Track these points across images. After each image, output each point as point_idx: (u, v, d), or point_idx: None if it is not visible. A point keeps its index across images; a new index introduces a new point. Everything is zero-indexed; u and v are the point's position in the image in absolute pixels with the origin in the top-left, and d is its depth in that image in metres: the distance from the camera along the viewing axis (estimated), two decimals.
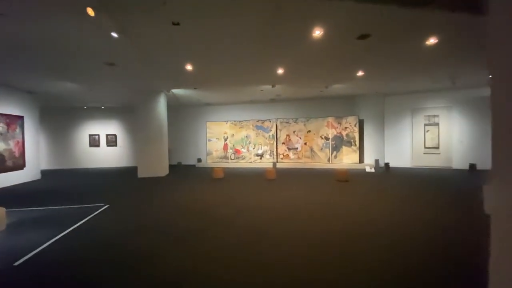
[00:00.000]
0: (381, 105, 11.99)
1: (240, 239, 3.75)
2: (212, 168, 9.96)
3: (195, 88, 9.63)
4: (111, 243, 3.69)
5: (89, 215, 4.97)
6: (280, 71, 7.31)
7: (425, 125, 11.44)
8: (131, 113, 12.23)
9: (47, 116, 13.35)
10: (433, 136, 11.32)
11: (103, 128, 14.46)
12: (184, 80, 8.53)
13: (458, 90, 10.58)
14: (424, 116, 11.44)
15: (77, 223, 4.52)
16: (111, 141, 14.57)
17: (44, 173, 11.45)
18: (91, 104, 13.11)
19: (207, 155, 13.37)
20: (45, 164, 13.49)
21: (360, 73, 7.88)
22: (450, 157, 10.94)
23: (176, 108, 13.92)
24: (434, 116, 11.28)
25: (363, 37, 5.10)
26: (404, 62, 6.82)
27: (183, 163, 14.08)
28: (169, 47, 5.55)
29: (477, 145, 10.45)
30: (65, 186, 8.59)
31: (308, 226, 4.17)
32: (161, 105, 10.20)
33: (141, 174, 9.90)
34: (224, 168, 10.05)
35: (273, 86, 9.08)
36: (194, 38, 5.10)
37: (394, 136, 11.95)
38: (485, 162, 10.07)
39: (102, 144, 14.49)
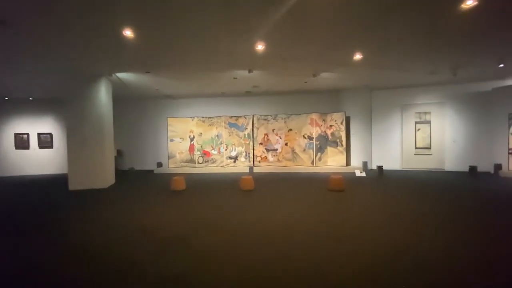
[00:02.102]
0: (368, 100, 10.73)
1: None
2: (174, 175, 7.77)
3: (147, 72, 7.36)
4: None
5: None
6: (260, 46, 5.42)
7: (416, 123, 10.37)
8: None
9: None
10: (425, 135, 10.28)
11: (33, 126, 11.45)
12: (129, 58, 6.26)
13: (452, 84, 9.63)
14: (415, 113, 10.35)
15: None
16: (45, 141, 11.60)
17: None
18: (12, 94, 10.08)
19: (168, 159, 11.04)
20: None
21: (357, 56, 6.30)
22: (442, 158, 9.96)
23: (127, 100, 11.41)
24: (426, 113, 10.24)
25: None
26: (415, 38, 5.31)
27: (139, 168, 11.60)
28: None
29: (473, 145, 9.56)
30: None
31: None
32: (102, 95, 7.72)
33: (73, 185, 7.37)
34: (188, 175, 7.94)
35: (250, 71, 7.17)
36: None
37: (382, 135, 10.76)
38: (482, 164, 9.16)
39: (33, 146, 11.47)
